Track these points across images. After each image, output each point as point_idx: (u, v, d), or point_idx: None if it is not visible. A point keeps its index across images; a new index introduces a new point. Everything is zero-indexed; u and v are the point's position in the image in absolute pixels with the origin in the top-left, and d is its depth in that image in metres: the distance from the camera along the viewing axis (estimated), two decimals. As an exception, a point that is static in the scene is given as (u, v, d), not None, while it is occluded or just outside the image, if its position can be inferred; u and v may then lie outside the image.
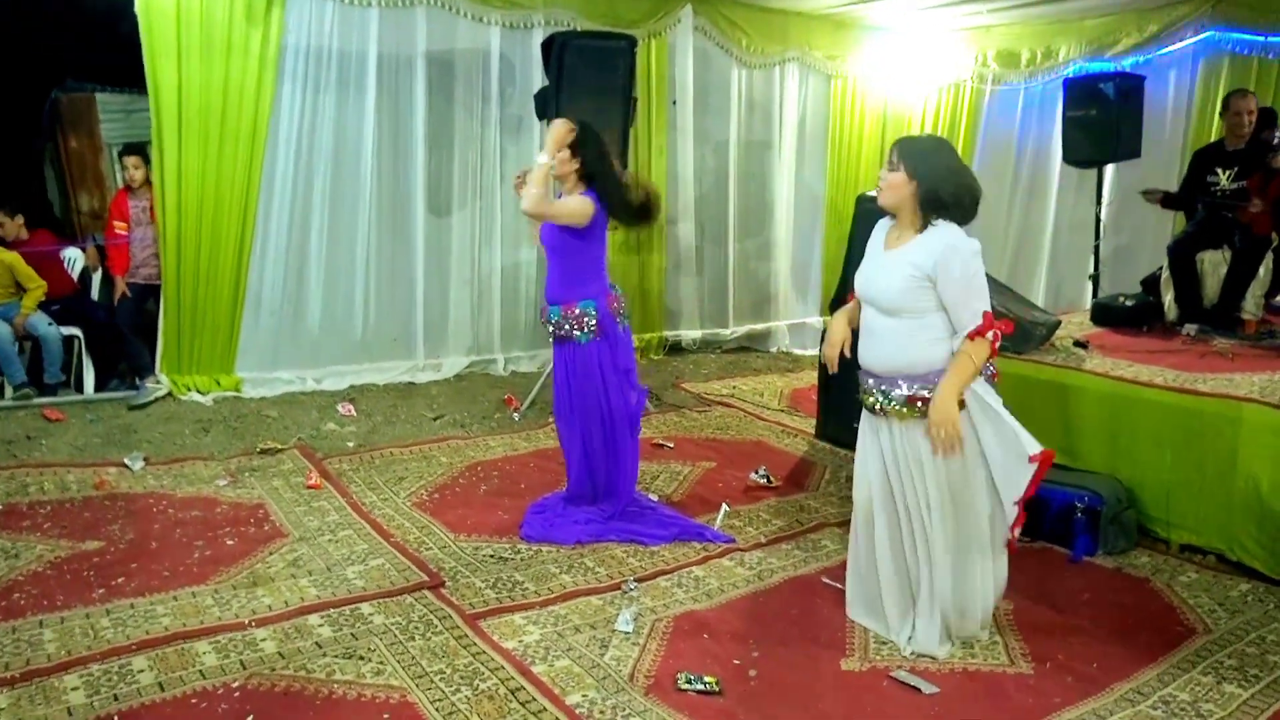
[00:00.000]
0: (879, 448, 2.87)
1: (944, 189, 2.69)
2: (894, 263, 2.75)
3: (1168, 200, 5.52)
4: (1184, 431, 3.65)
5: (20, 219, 5.60)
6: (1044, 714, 2.56)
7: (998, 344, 2.68)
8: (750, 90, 7.28)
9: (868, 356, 2.84)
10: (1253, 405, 3.49)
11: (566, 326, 3.60)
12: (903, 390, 2.72)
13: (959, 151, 8.06)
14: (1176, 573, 3.49)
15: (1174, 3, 6.51)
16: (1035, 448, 2.65)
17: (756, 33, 7.09)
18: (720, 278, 7.41)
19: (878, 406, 2.80)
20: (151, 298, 5.45)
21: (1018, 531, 2.81)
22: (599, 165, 3.56)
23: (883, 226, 2.92)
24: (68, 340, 5.50)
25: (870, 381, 2.83)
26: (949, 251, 2.66)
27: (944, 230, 2.71)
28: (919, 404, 2.70)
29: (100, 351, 5.60)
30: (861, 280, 2.88)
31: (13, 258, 5.32)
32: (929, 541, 2.80)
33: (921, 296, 2.70)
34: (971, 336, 2.65)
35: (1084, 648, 2.91)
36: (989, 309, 2.67)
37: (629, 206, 3.61)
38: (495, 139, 6.22)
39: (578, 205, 3.52)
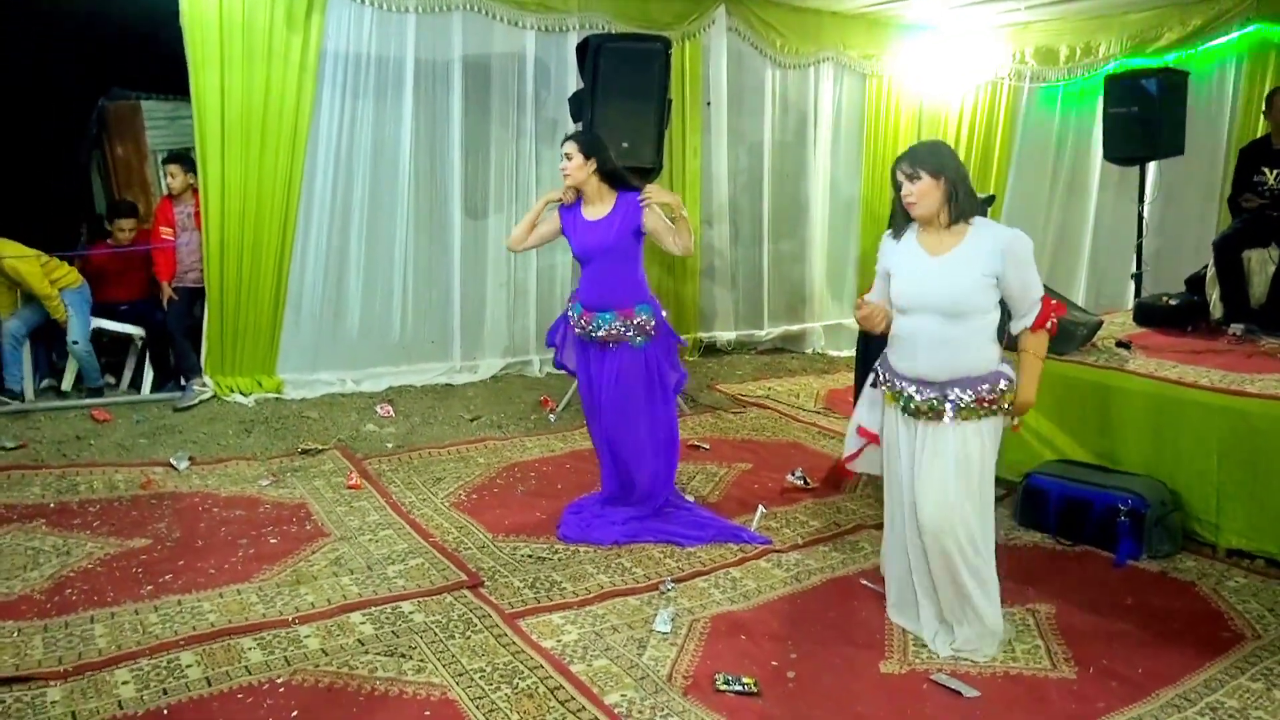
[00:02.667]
0: (911, 449, 2.84)
1: (964, 180, 2.75)
2: (955, 265, 2.72)
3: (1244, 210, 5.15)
4: (1232, 433, 3.58)
5: (132, 221, 5.75)
6: (1087, 719, 2.53)
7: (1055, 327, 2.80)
8: (785, 90, 7.27)
9: (923, 365, 2.76)
10: (1303, 406, 3.42)
11: (622, 331, 3.60)
12: (970, 394, 2.71)
13: (997, 151, 7.97)
14: (1224, 577, 3.43)
15: (1218, -4, 6.41)
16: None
17: (791, 33, 7.07)
18: (755, 279, 7.39)
19: (928, 410, 2.75)
20: (198, 301, 5.55)
21: None
22: (610, 166, 3.61)
23: (900, 238, 2.87)
24: (123, 342, 5.66)
25: (914, 388, 2.78)
26: (1015, 240, 2.72)
27: (993, 225, 2.79)
28: (986, 404, 2.72)
29: (160, 354, 5.73)
30: (916, 290, 2.77)
31: (28, 268, 5.16)
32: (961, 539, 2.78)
33: (987, 295, 2.73)
34: (1034, 329, 2.77)
35: (1128, 652, 2.87)
36: (1044, 293, 2.78)
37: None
38: (531, 142, 6.27)
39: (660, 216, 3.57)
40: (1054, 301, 2.79)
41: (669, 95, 5.61)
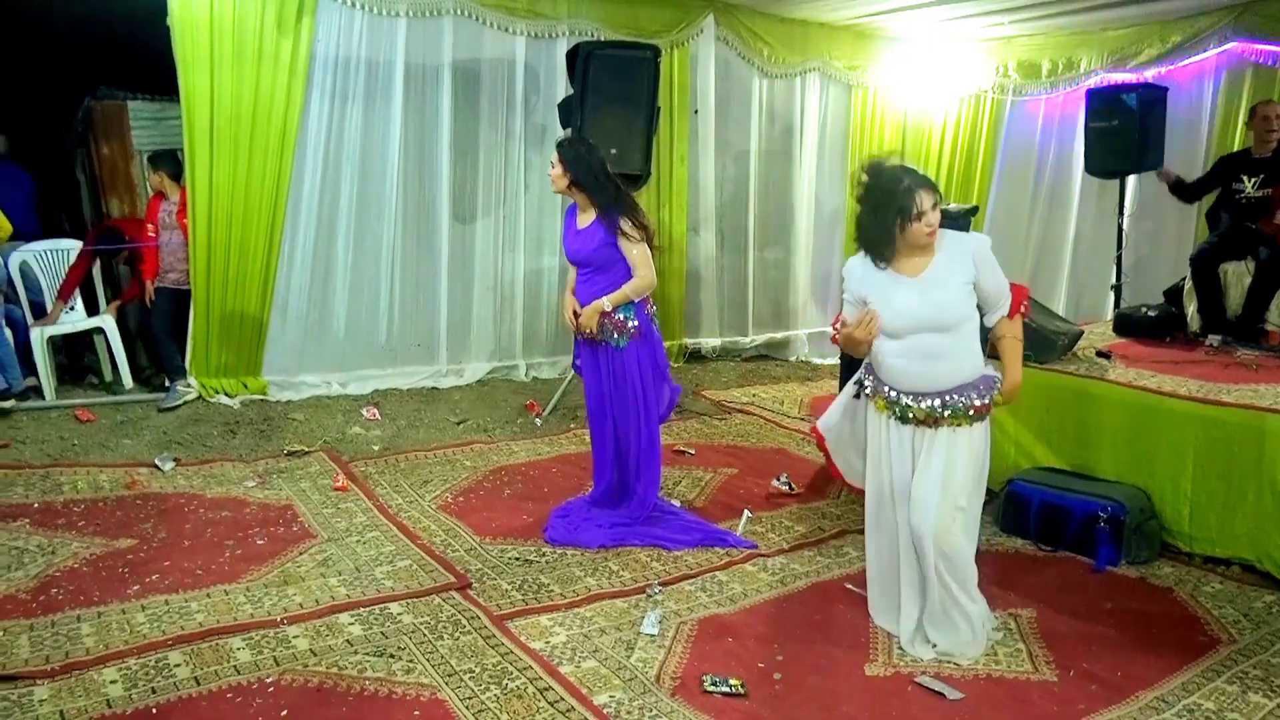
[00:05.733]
0: (905, 454, 2.88)
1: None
2: (936, 281, 2.78)
3: (1178, 186, 5.59)
4: (1208, 442, 3.65)
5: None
6: (1068, 720, 2.58)
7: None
8: (771, 100, 7.33)
9: (921, 381, 2.79)
10: (1278, 416, 3.48)
11: (606, 331, 3.66)
12: (969, 399, 2.78)
13: (980, 162, 7.99)
14: (1200, 583, 3.49)
15: (1196, 14, 6.50)
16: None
17: (778, 43, 7.14)
18: (740, 286, 7.44)
19: (927, 418, 2.79)
20: (181, 302, 5.52)
21: None
22: (590, 179, 3.62)
23: (866, 264, 2.87)
24: (88, 337, 5.65)
25: (910, 398, 2.81)
26: (980, 244, 2.86)
27: (954, 235, 2.86)
28: (978, 410, 2.80)
29: (152, 352, 5.70)
30: (906, 313, 2.78)
31: None
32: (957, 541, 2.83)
33: (970, 302, 2.84)
34: (1011, 316, 2.90)
35: (1108, 656, 2.92)
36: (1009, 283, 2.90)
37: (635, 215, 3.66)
38: (519, 148, 6.29)
39: (641, 251, 3.62)
40: (1019, 285, 2.94)
41: (657, 103, 5.65)
